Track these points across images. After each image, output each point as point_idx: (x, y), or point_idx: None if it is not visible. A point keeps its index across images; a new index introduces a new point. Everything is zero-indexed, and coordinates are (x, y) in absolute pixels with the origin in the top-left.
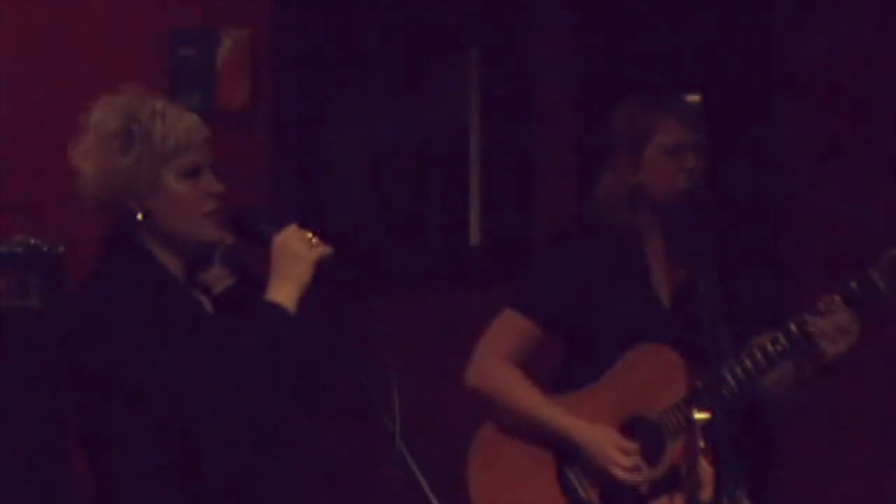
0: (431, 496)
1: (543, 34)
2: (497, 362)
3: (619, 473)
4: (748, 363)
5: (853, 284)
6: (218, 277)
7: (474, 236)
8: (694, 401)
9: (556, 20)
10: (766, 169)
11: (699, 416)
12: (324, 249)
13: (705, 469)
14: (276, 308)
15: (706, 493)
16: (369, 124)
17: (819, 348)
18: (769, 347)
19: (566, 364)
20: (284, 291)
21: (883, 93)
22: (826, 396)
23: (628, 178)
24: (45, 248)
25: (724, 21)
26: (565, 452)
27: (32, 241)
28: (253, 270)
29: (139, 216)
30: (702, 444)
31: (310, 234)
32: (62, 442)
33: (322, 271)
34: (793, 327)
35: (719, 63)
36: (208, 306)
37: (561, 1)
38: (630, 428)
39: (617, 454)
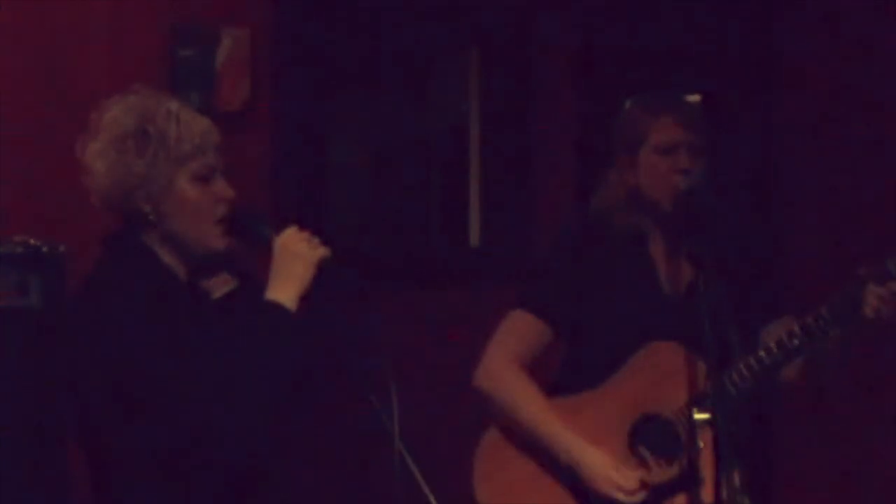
0: (431, 497)
1: (543, 34)
2: (506, 365)
3: (620, 497)
4: (764, 357)
5: (890, 264)
6: (218, 284)
7: (474, 236)
8: (697, 401)
9: (556, 20)
10: (767, 165)
11: (699, 416)
12: (324, 250)
13: (706, 469)
14: (277, 307)
15: (707, 493)
16: (369, 124)
17: (861, 321)
18: (785, 342)
19: (573, 360)
20: (285, 290)
21: (884, 88)
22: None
23: (627, 180)
24: (45, 248)
25: (725, 21)
26: None
27: (32, 241)
28: (252, 277)
29: (151, 217)
30: (702, 444)
31: (309, 235)
32: (61, 442)
33: (322, 272)
34: (824, 313)
35: (719, 63)
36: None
37: (561, 1)
38: (643, 426)
39: (617, 475)
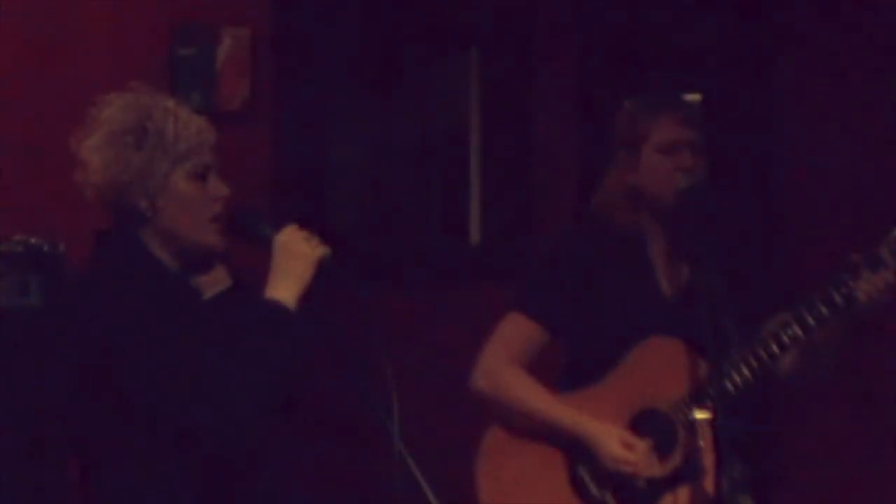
0: (432, 496)
1: (543, 34)
2: (503, 365)
3: (624, 468)
4: (761, 352)
5: (882, 251)
6: (211, 282)
7: (474, 236)
8: (697, 398)
9: (556, 20)
10: (767, 165)
11: (700, 415)
12: (324, 249)
13: (707, 467)
14: (277, 305)
15: (709, 489)
16: (369, 124)
17: (856, 309)
18: (781, 335)
19: (573, 362)
20: (286, 289)
21: (885, 88)
22: (836, 371)
23: (628, 179)
24: (45, 248)
25: (725, 21)
26: (577, 450)
27: (32, 241)
28: (245, 276)
29: (147, 213)
30: (702, 442)
31: (309, 234)
32: (62, 442)
33: (322, 271)
34: (818, 304)
35: (719, 63)
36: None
37: (561, 1)
38: (642, 421)
39: (621, 450)
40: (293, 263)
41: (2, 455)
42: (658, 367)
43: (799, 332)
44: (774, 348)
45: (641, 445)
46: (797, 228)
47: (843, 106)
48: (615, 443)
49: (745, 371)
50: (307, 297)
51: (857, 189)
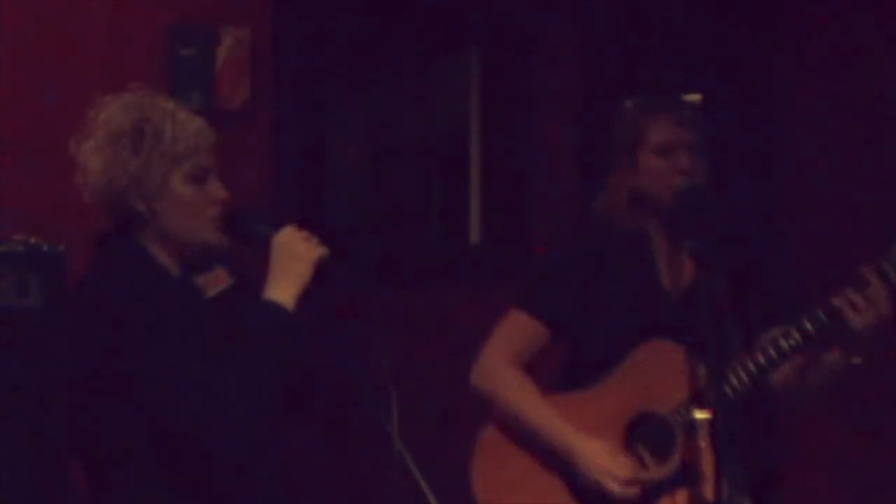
0: (431, 496)
1: (543, 34)
2: (502, 364)
3: (612, 486)
4: (760, 358)
5: (885, 264)
6: (213, 281)
7: (474, 235)
8: (695, 400)
9: (556, 20)
10: (768, 165)
11: (700, 415)
12: (323, 249)
13: (707, 469)
14: (275, 306)
15: (707, 492)
16: (369, 124)
17: (848, 325)
18: (781, 342)
19: (573, 362)
20: (284, 290)
21: (886, 88)
22: (833, 389)
23: (628, 182)
24: (45, 248)
25: (725, 21)
26: None
27: (32, 241)
28: (247, 275)
29: (146, 215)
30: (702, 443)
31: (308, 234)
32: (61, 443)
33: (321, 271)
34: (819, 313)
35: (719, 63)
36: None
37: (561, 1)
38: (640, 424)
39: (604, 461)
40: (292, 264)
41: (2, 455)
42: (657, 370)
43: (799, 339)
44: (773, 354)
45: (628, 462)
46: (798, 229)
47: (844, 105)
48: (605, 455)
49: (744, 376)
50: (306, 297)
51: (858, 189)
